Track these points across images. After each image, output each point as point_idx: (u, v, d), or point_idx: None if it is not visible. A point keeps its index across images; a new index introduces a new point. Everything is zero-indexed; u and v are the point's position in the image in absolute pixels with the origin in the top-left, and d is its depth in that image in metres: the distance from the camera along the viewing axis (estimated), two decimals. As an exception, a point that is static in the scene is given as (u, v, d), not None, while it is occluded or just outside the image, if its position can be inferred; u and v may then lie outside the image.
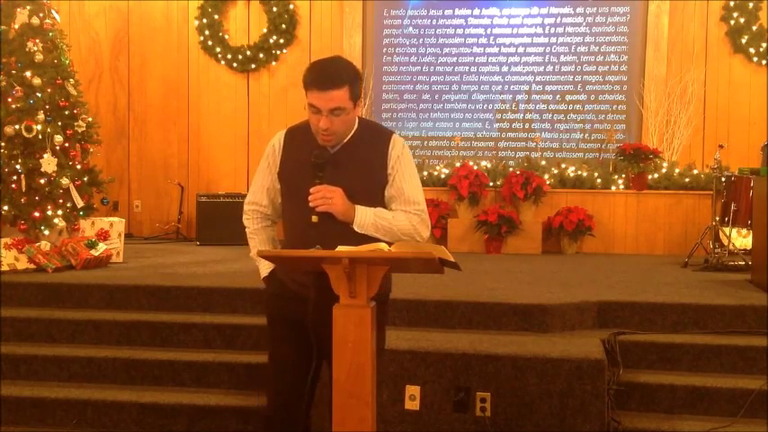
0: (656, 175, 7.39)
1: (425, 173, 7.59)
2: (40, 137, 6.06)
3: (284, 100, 8.17)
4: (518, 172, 7.36)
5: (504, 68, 7.99)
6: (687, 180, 7.35)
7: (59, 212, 6.19)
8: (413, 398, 3.85)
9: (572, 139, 7.94)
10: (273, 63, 8.22)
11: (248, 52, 8.19)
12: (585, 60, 7.88)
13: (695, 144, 7.65)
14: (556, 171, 7.57)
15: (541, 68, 7.94)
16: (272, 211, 2.99)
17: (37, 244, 5.77)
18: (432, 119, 8.14)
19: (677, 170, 7.43)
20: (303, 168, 2.75)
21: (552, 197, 7.44)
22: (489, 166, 7.72)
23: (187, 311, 4.88)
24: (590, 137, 7.92)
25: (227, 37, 8.24)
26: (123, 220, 6.63)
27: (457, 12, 8.04)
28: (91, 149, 6.60)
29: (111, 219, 6.50)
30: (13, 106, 6.07)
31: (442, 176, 7.61)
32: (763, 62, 7.52)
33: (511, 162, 7.84)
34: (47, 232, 6.10)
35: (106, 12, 8.45)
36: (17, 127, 6.02)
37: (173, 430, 4.12)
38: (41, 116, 6.09)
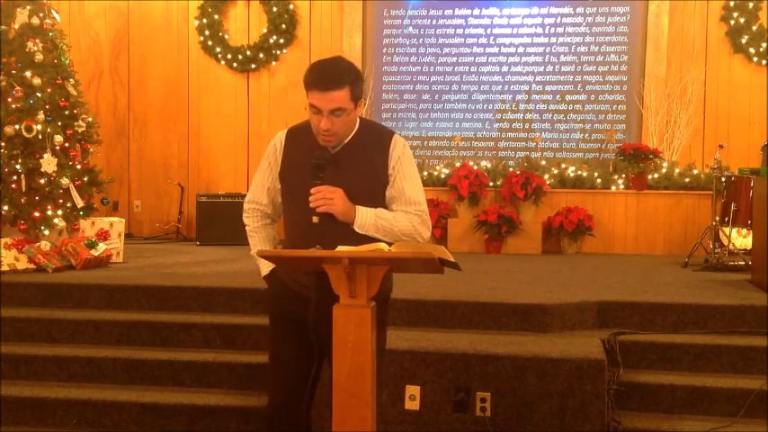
0: (656, 175, 7.39)
1: (425, 173, 7.59)
2: (40, 137, 6.06)
3: (284, 100, 8.17)
4: (518, 172, 7.36)
5: (504, 68, 7.99)
6: (687, 180, 7.35)
7: (59, 212, 6.20)
8: (413, 398, 3.85)
9: (572, 139, 7.94)
10: (273, 63, 8.23)
11: (248, 52, 8.19)
12: (585, 60, 7.88)
13: (695, 144, 7.66)
14: (556, 171, 7.57)
15: (541, 68, 7.94)
16: (272, 210, 2.99)
17: (37, 244, 5.77)
18: (432, 119, 8.14)
19: (677, 170, 7.43)
20: (304, 169, 2.75)
21: (552, 197, 7.44)
22: (489, 166, 7.72)
23: (187, 311, 4.88)
24: (590, 137, 7.92)
25: (227, 37, 8.24)
26: (123, 220, 6.64)
27: (457, 12, 8.04)
28: (91, 149, 6.60)
29: (111, 219, 6.50)
30: (13, 106, 6.07)
31: (442, 176, 7.61)
32: (763, 62, 7.52)
33: (511, 162, 7.84)
34: (47, 232, 6.10)
35: (106, 12, 8.46)
36: (17, 127, 6.02)
37: (173, 430, 4.12)
38: (41, 116, 6.09)
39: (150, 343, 4.64)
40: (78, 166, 6.34)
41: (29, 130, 6.02)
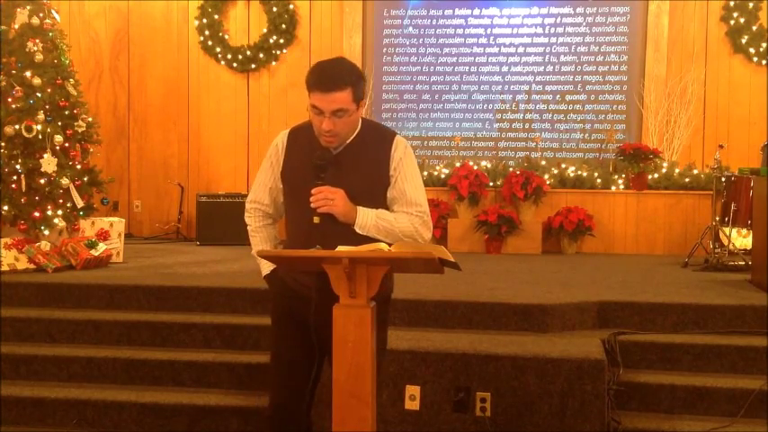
0: (656, 175, 7.39)
1: (425, 173, 7.59)
2: (40, 137, 6.06)
3: (284, 100, 8.18)
4: (518, 172, 7.36)
5: (504, 68, 8.00)
6: (687, 180, 7.35)
7: (59, 212, 6.20)
8: (413, 398, 3.85)
9: (572, 139, 7.94)
10: (273, 63, 8.23)
11: (248, 52, 8.19)
12: (585, 60, 7.88)
13: (695, 144, 7.66)
14: (556, 171, 7.57)
15: (541, 68, 7.94)
16: (273, 210, 3.00)
17: (37, 244, 5.77)
18: (432, 119, 8.14)
19: (677, 170, 7.43)
20: (305, 169, 2.75)
21: (552, 197, 7.44)
22: (489, 166, 7.72)
23: (187, 311, 4.88)
24: (590, 137, 7.92)
25: (227, 37, 8.24)
26: (123, 220, 6.63)
27: (457, 12, 8.04)
28: (91, 149, 6.60)
29: (111, 219, 6.50)
30: (13, 106, 6.07)
31: (442, 176, 7.61)
32: (763, 62, 7.52)
33: (511, 162, 7.84)
34: (47, 232, 6.10)
35: (106, 12, 8.46)
36: (17, 127, 6.02)
37: (173, 430, 4.12)
38: (41, 116, 6.09)
39: (150, 343, 4.64)
40: (78, 166, 6.34)
41: (29, 130, 6.02)
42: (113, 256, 6.16)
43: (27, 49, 6.17)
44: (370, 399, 2.49)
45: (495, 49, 8.00)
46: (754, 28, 7.51)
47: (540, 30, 7.92)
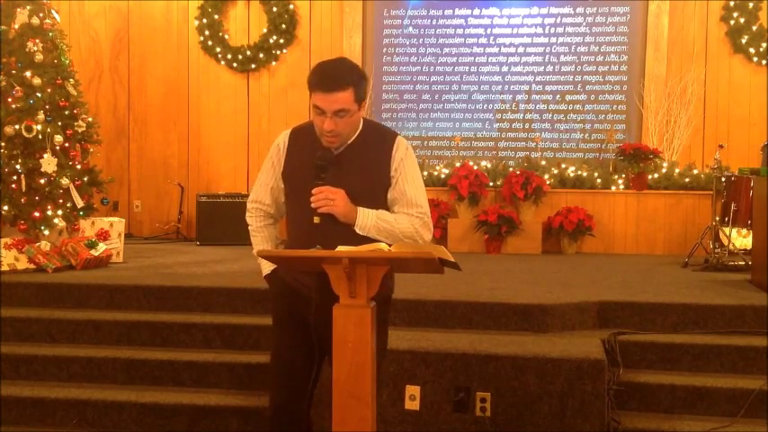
0: (656, 175, 7.39)
1: (426, 173, 7.58)
2: (40, 137, 6.06)
3: (284, 100, 8.18)
4: (518, 172, 7.36)
5: (504, 68, 8.00)
6: (687, 180, 7.35)
7: (59, 212, 6.19)
8: (413, 398, 3.85)
9: (572, 139, 7.94)
10: (273, 63, 8.22)
11: (248, 52, 8.19)
12: (585, 60, 7.88)
13: (695, 144, 7.66)
14: (556, 171, 7.57)
15: (541, 68, 7.94)
16: (275, 210, 3.00)
17: (37, 244, 5.77)
18: (432, 119, 8.14)
19: (677, 170, 7.43)
20: (307, 169, 2.75)
21: (552, 197, 7.44)
22: (489, 166, 7.72)
23: (187, 311, 4.88)
24: (590, 137, 7.92)
25: (227, 37, 8.24)
26: (123, 220, 6.63)
27: (457, 12, 8.04)
28: (91, 149, 6.59)
29: (111, 219, 6.50)
30: (13, 106, 6.07)
31: (442, 176, 7.61)
32: (763, 62, 7.52)
33: (511, 162, 7.84)
34: (47, 232, 6.10)
35: (106, 12, 8.45)
36: (17, 127, 6.02)
37: (173, 430, 4.12)
38: (41, 116, 6.09)
39: (150, 343, 4.64)
40: (78, 166, 6.34)
41: (29, 130, 6.02)
42: (113, 256, 6.16)
43: (27, 49, 6.17)
44: (370, 399, 2.49)
45: (495, 49, 8.00)
46: (754, 28, 7.51)
47: (540, 30, 7.92)
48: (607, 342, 4.23)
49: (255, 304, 4.79)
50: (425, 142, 8.13)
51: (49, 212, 6.13)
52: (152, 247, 7.45)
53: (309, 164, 2.74)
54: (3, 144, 6.04)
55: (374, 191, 2.80)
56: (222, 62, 8.27)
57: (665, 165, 7.47)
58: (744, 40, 7.53)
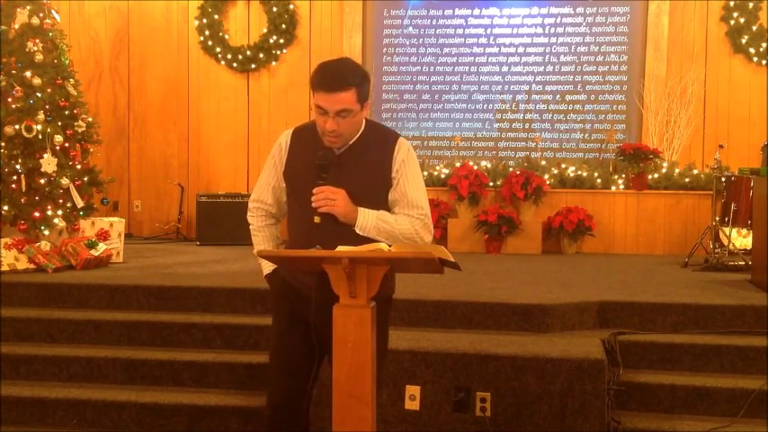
0: (656, 175, 7.39)
1: (426, 173, 7.59)
2: (40, 137, 6.06)
3: (284, 100, 8.18)
4: (518, 172, 7.36)
5: (504, 68, 8.00)
6: (687, 180, 7.35)
7: (59, 212, 6.19)
8: (413, 398, 3.85)
9: (572, 139, 7.94)
10: (273, 63, 8.22)
11: (248, 52, 8.19)
12: (585, 60, 7.88)
13: (695, 144, 7.66)
14: (556, 171, 7.57)
15: (541, 68, 7.94)
16: (276, 209, 3.01)
17: (37, 244, 5.77)
18: (432, 119, 8.14)
19: (677, 170, 7.43)
20: (308, 169, 2.75)
21: (552, 197, 7.44)
22: (489, 166, 7.72)
23: (187, 311, 4.88)
24: (590, 137, 7.92)
25: (227, 37, 8.24)
26: (123, 220, 6.63)
27: (457, 12, 8.04)
28: (91, 149, 6.60)
29: (111, 219, 6.50)
30: (13, 106, 6.07)
31: (442, 176, 7.62)
32: (763, 62, 7.53)
33: (511, 162, 7.84)
34: (47, 232, 6.10)
35: (106, 12, 8.45)
36: (17, 127, 6.02)
37: (173, 430, 4.12)
38: (41, 116, 6.09)
39: (150, 343, 4.64)
40: (78, 166, 6.34)
41: (29, 130, 6.02)
42: (113, 256, 6.16)
43: (27, 49, 6.17)
44: (370, 399, 2.49)
45: (495, 49, 8.00)
46: (754, 28, 7.52)
47: (540, 30, 7.92)
48: (607, 342, 4.23)
49: (255, 304, 4.79)
50: (425, 142, 8.13)
51: (49, 212, 6.13)
52: (152, 247, 7.45)
53: (311, 164, 2.74)
54: (3, 144, 6.04)
55: (375, 192, 2.80)
56: (222, 62, 8.27)
57: (665, 165, 7.47)
58: (744, 40, 7.53)
